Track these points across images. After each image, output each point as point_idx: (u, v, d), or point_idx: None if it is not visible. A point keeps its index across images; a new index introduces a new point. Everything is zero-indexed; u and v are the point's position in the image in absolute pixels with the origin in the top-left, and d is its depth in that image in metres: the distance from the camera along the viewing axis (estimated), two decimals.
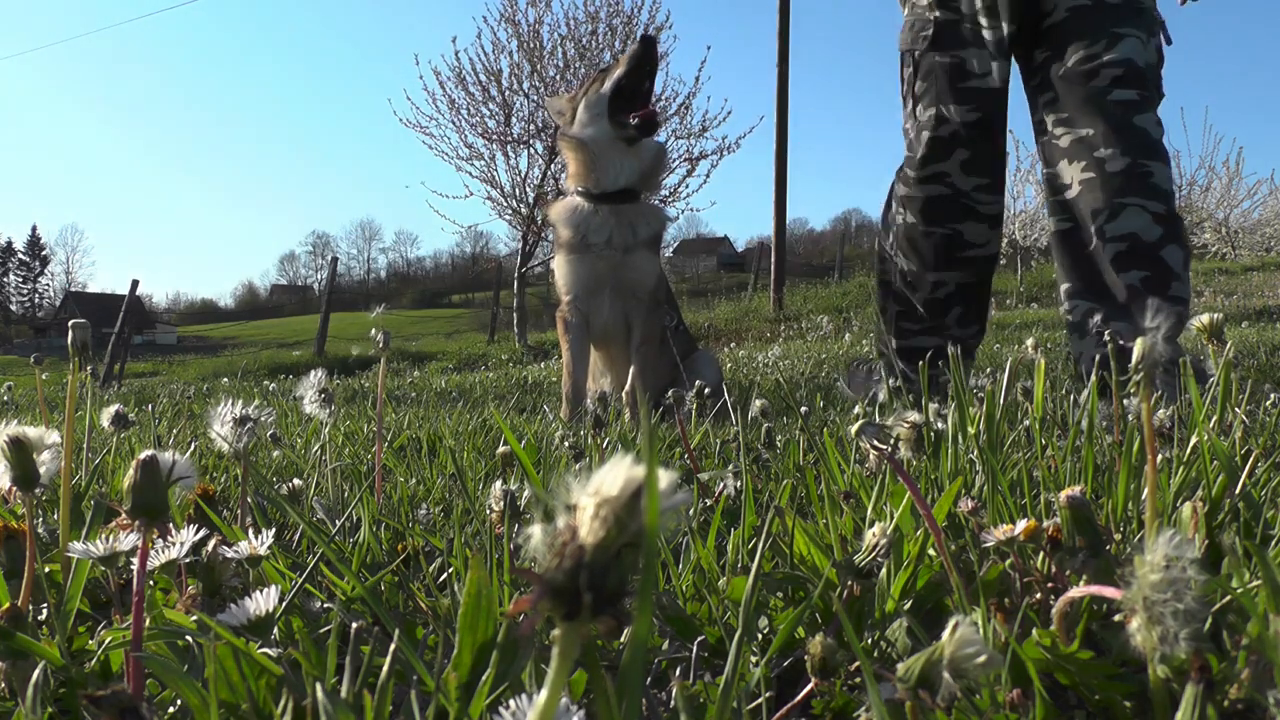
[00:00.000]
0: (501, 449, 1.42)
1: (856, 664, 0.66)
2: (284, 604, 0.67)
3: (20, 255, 74.89)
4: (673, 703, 0.68)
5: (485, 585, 0.56)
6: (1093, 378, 1.07)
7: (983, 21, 2.35)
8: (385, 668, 0.53)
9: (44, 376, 1.98)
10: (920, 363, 1.27)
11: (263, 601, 0.65)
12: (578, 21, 12.58)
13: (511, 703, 0.46)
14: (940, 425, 1.10)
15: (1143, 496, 0.85)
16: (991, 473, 0.89)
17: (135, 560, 0.66)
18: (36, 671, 0.54)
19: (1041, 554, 0.75)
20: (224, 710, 0.58)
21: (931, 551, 0.78)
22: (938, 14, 2.42)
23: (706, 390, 1.84)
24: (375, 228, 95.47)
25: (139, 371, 15.72)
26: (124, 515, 0.65)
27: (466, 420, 2.43)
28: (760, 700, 0.65)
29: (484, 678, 0.55)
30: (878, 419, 1.00)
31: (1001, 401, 1.26)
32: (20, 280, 74.74)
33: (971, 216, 2.45)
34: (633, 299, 2.88)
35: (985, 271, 2.55)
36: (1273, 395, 1.51)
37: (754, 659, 0.73)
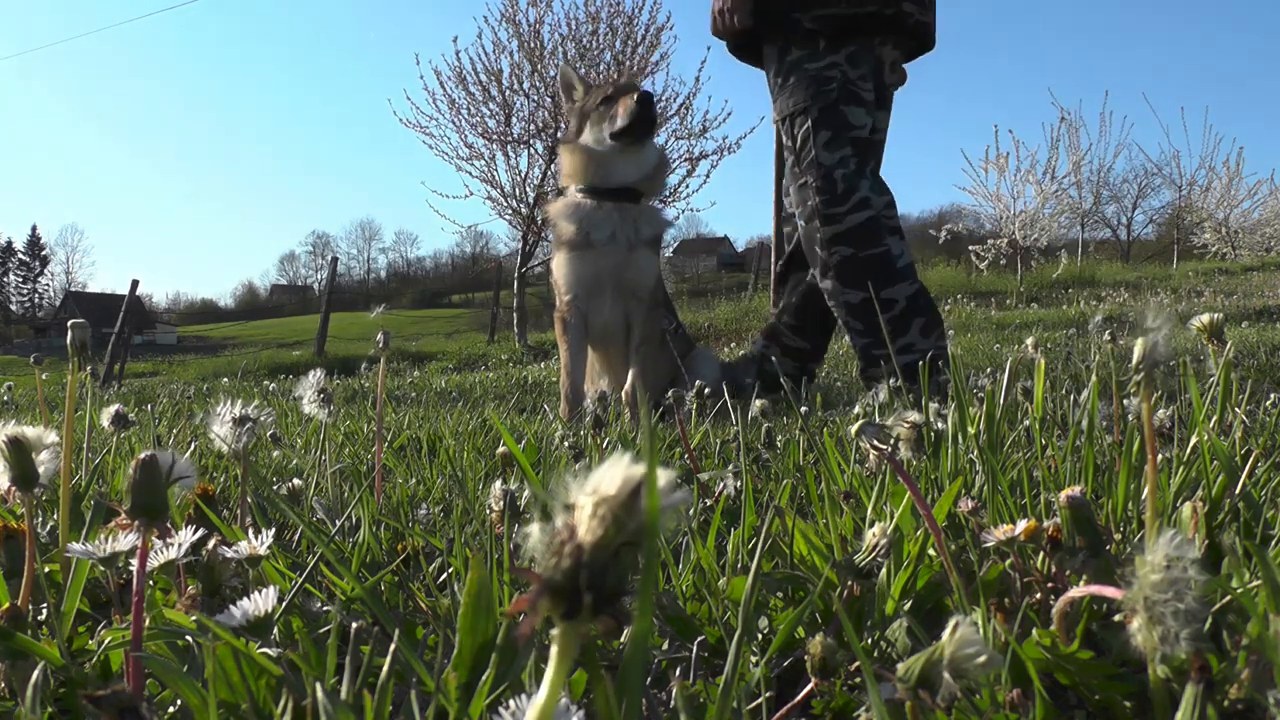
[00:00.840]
0: (501, 449, 1.42)
1: (856, 664, 0.66)
2: (284, 604, 0.67)
3: (20, 255, 74.86)
4: (673, 703, 0.68)
5: (485, 585, 0.56)
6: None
7: (859, 84, 2.94)
8: (385, 668, 0.53)
9: (44, 376, 1.98)
10: (921, 364, 1.28)
11: (262, 602, 0.65)
12: (578, 21, 12.58)
13: (511, 703, 0.45)
14: (940, 425, 1.10)
15: (1143, 496, 0.84)
16: (991, 473, 0.89)
17: (135, 560, 0.66)
18: (36, 671, 0.54)
19: (1041, 554, 0.75)
20: (224, 710, 0.58)
21: (931, 551, 0.78)
22: (833, 73, 2.92)
23: (706, 390, 1.84)
24: (375, 228, 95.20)
25: (139, 371, 15.71)
26: (124, 515, 0.65)
27: (466, 420, 2.43)
28: (760, 700, 0.65)
29: (484, 678, 0.55)
30: (878, 419, 1.00)
31: (1001, 401, 1.26)
32: (20, 280, 74.72)
33: (891, 233, 2.88)
34: (633, 299, 2.87)
35: (917, 276, 2.98)
36: (1273, 395, 1.51)
37: (754, 659, 0.73)
